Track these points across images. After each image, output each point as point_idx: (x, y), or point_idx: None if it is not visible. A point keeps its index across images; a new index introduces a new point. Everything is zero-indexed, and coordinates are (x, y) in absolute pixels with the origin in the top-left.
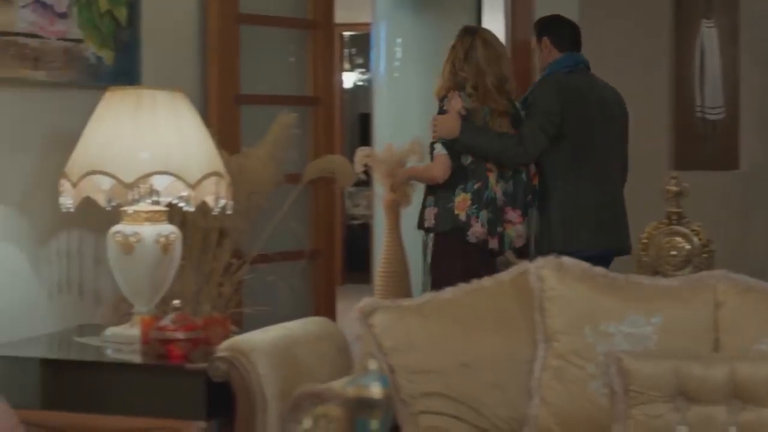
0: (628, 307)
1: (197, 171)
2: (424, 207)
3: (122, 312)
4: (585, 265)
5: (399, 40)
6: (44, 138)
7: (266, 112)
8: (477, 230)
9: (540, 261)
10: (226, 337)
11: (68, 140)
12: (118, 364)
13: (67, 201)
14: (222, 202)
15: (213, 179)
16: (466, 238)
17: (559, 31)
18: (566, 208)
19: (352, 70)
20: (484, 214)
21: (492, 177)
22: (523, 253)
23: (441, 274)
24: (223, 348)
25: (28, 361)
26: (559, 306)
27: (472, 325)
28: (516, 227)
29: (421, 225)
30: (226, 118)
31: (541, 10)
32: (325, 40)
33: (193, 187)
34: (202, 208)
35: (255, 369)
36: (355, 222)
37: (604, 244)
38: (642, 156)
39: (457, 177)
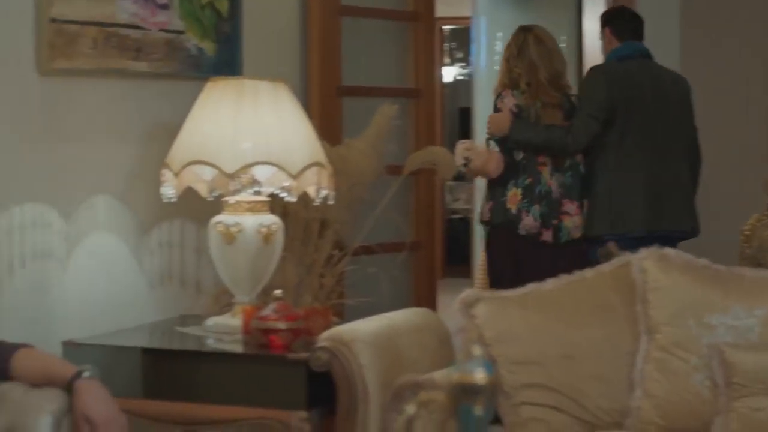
0: (731, 299)
1: (299, 161)
2: (484, 201)
3: (223, 302)
4: (687, 256)
5: (499, 34)
6: (146, 129)
7: (367, 103)
8: (528, 223)
9: (642, 252)
10: (327, 327)
11: (169, 131)
12: (219, 354)
13: (169, 191)
14: (323, 192)
15: (314, 170)
16: (516, 230)
17: (620, 21)
18: (614, 192)
19: (452, 64)
20: (536, 209)
21: (545, 171)
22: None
23: (495, 265)
24: (324, 338)
25: (130, 351)
26: (662, 298)
27: (574, 316)
28: (573, 218)
29: (480, 218)
30: (327, 109)
31: (642, 5)
32: (426, 32)
33: (294, 177)
34: (304, 198)
35: (356, 359)
36: (455, 216)
37: (653, 227)
38: (743, 148)
39: (510, 172)
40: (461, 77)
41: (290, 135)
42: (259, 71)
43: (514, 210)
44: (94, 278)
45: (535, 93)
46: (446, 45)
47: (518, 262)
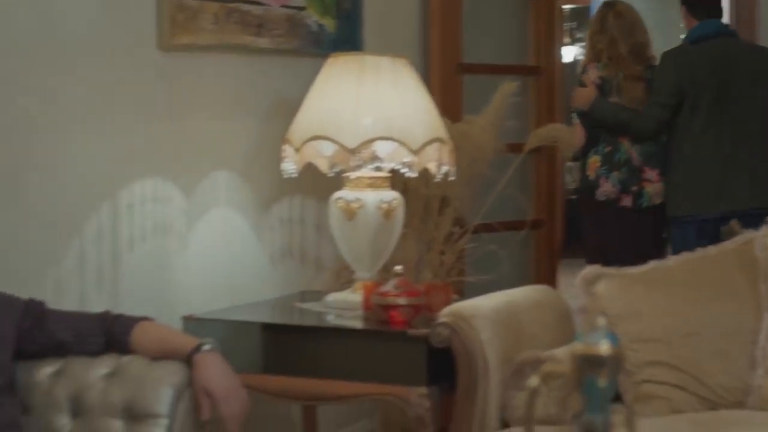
0: None
1: (420, 137)
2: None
3: (344, 278)
4: None
5: None
6: (266, 105)
7: (487, 81)
8: (606, 189)
9: (765, 229)
10: (448, 303)
11: (289, 107)
12: (339, 330)
13: (290, 167)
14: (444, 168)
15: (435, 145)
16: (594, 196)
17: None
18: (686, 175)
19: (572, 44)
20: (615, 175)
21: (626, 140)
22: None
23: (582, 230)
24: (445, 314)
25: (250, 326)
26: None
27: (697, 293)
28: (654, 185)
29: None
30: (448, 86)
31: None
32: (547, 10)
33: (415, 153)
34: (424, 175)
35: (477, 335)
36: (574, 197)
37: (727, 207)
38: None
39: (593, 141)
40: (581, 57)
41: (411, 111)
42: (379, 48)
43: (592, 176)
44: (214, 254)
45: (616, 66)
46: (566, 25)
47: (599, 227)
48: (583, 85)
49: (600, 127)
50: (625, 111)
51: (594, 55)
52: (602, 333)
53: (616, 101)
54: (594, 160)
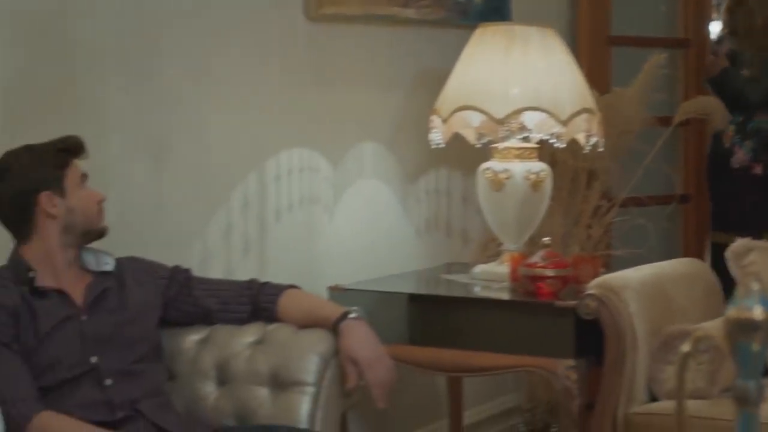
0: None
1: (569, 107)
2: None
3: (491, 250)
4: None
5: None
6: (412, 76)
7: (635, 54)
8: (740, 158)
9: None
10: (596, 275)
11: (435, 78)
12: (486, 301)
13: (437, 137)
14: (593, 139)
15: (584, 116)
16: (729, 163)
17: None
18: None
19: (718, 19)
20: (748, 144)
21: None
22: None
23: (712, 196)
24: (593, 285)
25: (396, 296)
26: None
27: None
28: None
29: None
30: (596, 58)
31: None
32: None
33: (564, 123)
34: (572, 147)
35: (625, 307)
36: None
37: None
38: None
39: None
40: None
41: (560, 81)
42: (526, 19)
43: (727, 144)
44: (360, 224)
45: (751, 37)
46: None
47: (732, 193)
48: (715, 54)
49: (725, 97)
50: (745, 82)
51: (730, 27)
52: (756, 297)
53: (747, 74)
54: (730, 129)
